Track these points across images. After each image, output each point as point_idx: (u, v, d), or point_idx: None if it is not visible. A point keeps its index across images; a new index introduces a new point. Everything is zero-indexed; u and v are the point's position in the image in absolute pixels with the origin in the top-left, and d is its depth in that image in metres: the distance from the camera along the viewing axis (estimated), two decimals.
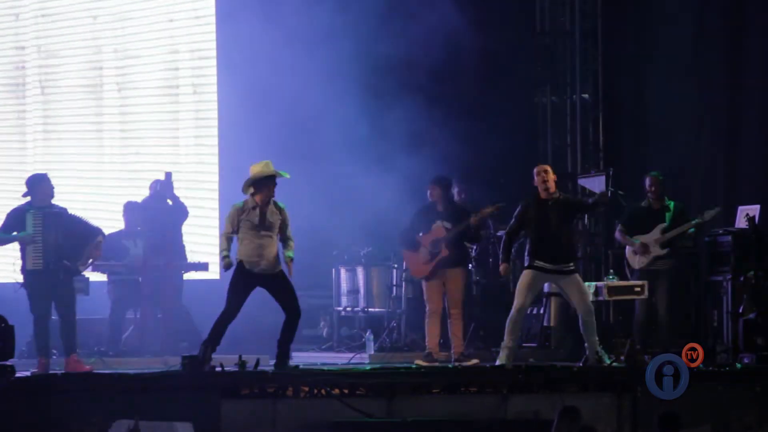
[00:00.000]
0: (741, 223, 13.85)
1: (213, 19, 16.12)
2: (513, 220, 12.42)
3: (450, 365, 12.68)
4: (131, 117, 16.24)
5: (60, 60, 16.19)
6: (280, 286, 11.65)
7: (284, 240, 11.79)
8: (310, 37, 15.31)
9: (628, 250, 13.60)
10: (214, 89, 16.13)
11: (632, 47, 16.57)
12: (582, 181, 16.12)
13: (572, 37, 17.01)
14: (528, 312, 13.08)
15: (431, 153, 14.56)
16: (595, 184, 15.15)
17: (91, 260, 12.64)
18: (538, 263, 12.24)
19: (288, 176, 11.70)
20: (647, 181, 13.69)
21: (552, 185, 12.29)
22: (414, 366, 12.74)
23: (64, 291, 12.57)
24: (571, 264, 12.32)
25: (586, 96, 17.01)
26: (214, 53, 16.12)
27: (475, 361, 12.97)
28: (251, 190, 11.67)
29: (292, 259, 11.66)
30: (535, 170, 12.43)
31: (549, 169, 12.40)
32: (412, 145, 14.60)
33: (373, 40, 15.17)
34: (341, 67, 15.17)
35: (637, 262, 13.46)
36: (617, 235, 13.78)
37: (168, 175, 14.53)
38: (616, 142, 16.86)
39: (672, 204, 13.52)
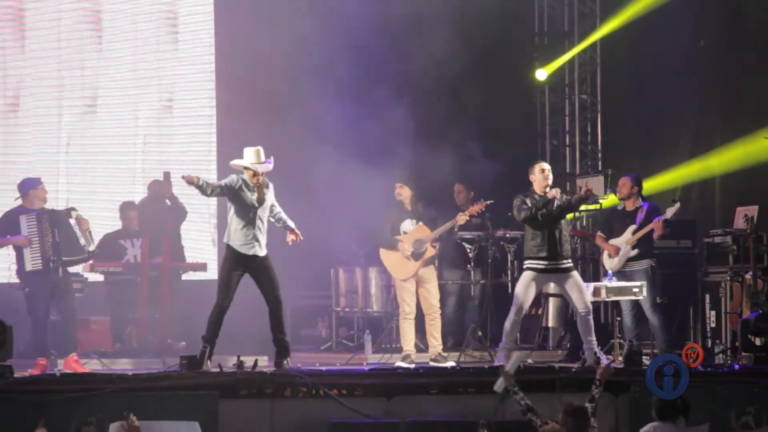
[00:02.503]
0: (739, 223, 13.85)
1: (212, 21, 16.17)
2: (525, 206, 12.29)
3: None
4: (128, 116, 16.22)
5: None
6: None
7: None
8: (309, 31, 15.29)
9: (604, 253, 13.54)
10: (212, 85, 16.10)
11: (630, 48, 16.56)
12: (581, 182, 16.11)
13: (571, 37, 17.03)
14: (526, 312, 13.05)
15: (430, 153, 14.54)
16: (594, 184, 15.14)
17: (88, 229, 12.68)
18: (536, 263, 12.23)
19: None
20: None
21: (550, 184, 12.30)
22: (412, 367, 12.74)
23: (63, 291, 12.60)
24: (568, 261, 12.31)
25: (584, 96, 17.03)
26: (212, 50, 16.10)
27: (451, 363, 12.96)
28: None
29: None
30: (536, 168, 12.42)
31: (548, 167, 12.41)
32: (410, 145, 14.57)
33: (370, 37, 15.15)
34: (338, 66, 15.15)
35: (609, 265, 13.38)
36: (597, 241, 13.70)
37: (167, 175, 14.53)
38: (614, 143, 16.87)
39: (645, 205, 13.44)
